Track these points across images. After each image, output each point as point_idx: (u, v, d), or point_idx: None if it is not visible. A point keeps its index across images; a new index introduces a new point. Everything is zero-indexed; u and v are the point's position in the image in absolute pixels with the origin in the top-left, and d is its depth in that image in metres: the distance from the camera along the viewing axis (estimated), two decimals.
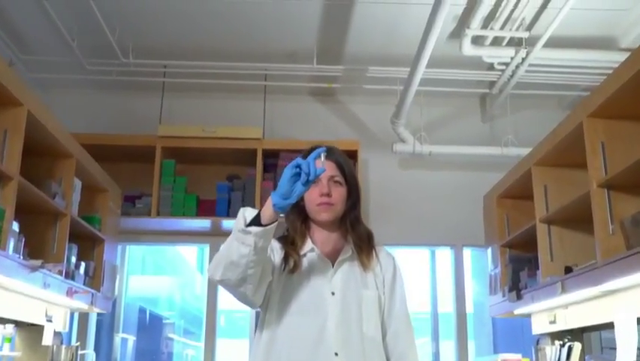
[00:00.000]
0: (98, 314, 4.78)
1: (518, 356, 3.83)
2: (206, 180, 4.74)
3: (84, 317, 4.61)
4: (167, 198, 4.53)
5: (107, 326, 5.01)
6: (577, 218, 3.23)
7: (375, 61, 4.65)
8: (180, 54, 4.61)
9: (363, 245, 1.94)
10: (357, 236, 1.95)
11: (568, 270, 3.06)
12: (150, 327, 6.33)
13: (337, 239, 1.96)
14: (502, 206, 4.08)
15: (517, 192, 3.93)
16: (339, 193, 1.91)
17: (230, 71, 4.68)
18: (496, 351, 4.98)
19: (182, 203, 4.55)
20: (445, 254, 5.15)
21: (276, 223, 1.66)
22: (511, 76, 4.48)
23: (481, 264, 4.99)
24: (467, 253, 5.06)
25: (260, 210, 1.66)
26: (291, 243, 1.92)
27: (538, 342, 3.80)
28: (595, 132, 2.82)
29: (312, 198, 1.90)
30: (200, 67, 4.66)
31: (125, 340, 5.23)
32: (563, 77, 4.56)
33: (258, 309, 1.90)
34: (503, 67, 4.43)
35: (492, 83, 4.79)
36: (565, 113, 5.07)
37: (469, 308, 4.97)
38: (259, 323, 1.89)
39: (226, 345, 4.92)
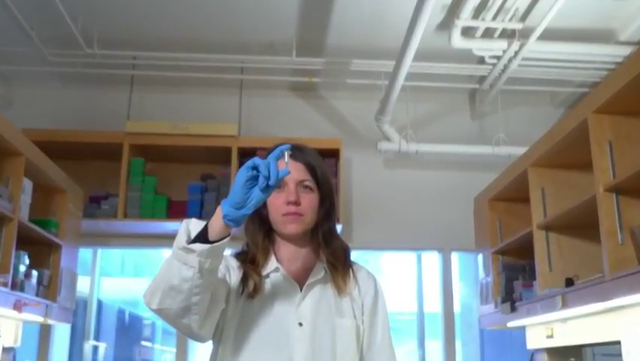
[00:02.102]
0: (73, 320, 4.45)
1: None
2: (177, 180, 4.48)
3: (47, 326, 4.28)
4: (135, 199, 4.26)
5: (79, 334, 4.78)
6: (578, 225, 2.97)
7: (359, 53, 4.40)
8: (150, 45, 4.32)
9: (339, 264, 1.63)
10: (331, 253, 1.63)
11: (569, 282, 2.79)
12: (130, 328, 6.14)
13: (307, 256, 1.64)
14: (494, 209, 3.81)
15: (511, 195, 3.66)
16: (309, 201, 1.60)
17: (204, 64, 4.40)
18: (483, 357, 4.77)
19: (152, 204, 4.28)
20: (431, 257, 4.91)
21: (227, 239, 1.35)
22: (503, 70, 4.27)
23: (467, 266, 4.84)
24: (454, 255, 4.84)
25: (207, 223, 1.36)
26: (251, 261, 1.60)
27: (532, 357, 3.53)
28: (601, 130, 2.53)
29: (277, 207, 1.59)
30: (171, 59, 4.38)
31: (97, 347, 4.98)
32: (557, 71, 4.35)
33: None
34: (495, 60, 4.22)
35: (482, 78, 4.57)
36: (558, 111, 4.94)
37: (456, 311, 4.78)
38: (210, 359, 1.58)
39: (201, 345, 4.68)
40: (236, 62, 4.47)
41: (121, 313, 5.98)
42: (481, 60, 4.28)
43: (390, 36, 4.03)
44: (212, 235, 1.33)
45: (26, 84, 4.73)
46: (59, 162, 3.72)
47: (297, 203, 1.57)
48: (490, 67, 4.31)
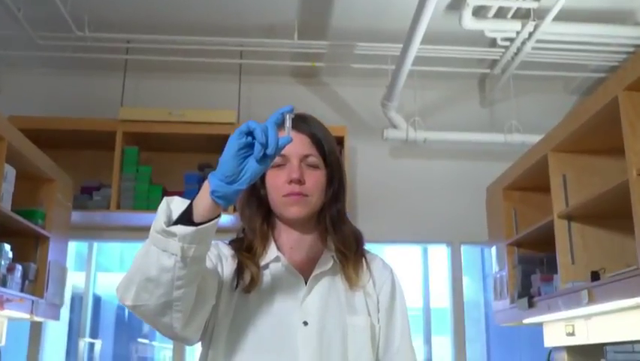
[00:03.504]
0: (70, 317, 4.46)
1: None
2: (173, 170, 4.29)
3: (38, 323, 4.08)
4: (128, 189, 4.07)
5: (76, 331, 4.62)
6: (604, 214, 2.76)
7: (364, 36, 4.18)
8: (144, 27, 4.11)
9: (349, 252, 1.41)
10: (340, 240, 1.42)
11: (595, 276, 2.57)
12: (129, 325, 6.01)
13: (313, 244, 1.43)
14: (509, 199, 3.60)
15: (527, 183, 3.45)
16: (315, 179, 1.38)
17: (202, 47, 4.20)
18: (489, 355, 4.60)
19: (146, 195, 4.09)
20: (438, 250, 4.75)
21: (216, 221, 1.14)
22: (516, 53, 4.06)
23: (473, 260, 4.71)
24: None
25: (192, 201, 1.14)
26: (247, 249, 1.38)
27: (550, 355, 3.32)
28: (633, 108, 2.31)
29: (278, 186, 1.37)
30: (167, 42, 4.18)
31: (93, 345, 4.83)
32: (572, 54, 4.14)
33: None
34: (507, 43, 4.01)
35: (494, 62, 4.36)
36: (572, 98, 4.74)
37: None
38: None
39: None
40: (235, 46, 4.27)
41: (120, 309, 5.85)
42: (493, 43, 4.08)
43: (398, 17, 3.83)
44: (197, 215, 1.12)
45: (14, 70, 4.54)
46: (50, 151, 3.56)
47: (300, 182, 1.35)
48: (503, 50, 4.11)
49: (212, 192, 1.10)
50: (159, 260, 1.12)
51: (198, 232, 1.11)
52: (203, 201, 1.12)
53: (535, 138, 3.70)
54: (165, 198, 1.15)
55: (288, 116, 1.14)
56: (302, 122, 1.39)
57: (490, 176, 3.97)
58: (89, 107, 4.40)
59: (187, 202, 1.14)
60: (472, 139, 4.47)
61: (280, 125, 1.12)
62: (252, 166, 1.09)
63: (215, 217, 1.13)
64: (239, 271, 1.36)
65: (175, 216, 1.13)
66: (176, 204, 1.14)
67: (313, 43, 4.20)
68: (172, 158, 4.38)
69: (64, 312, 4.33)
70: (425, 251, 4.78)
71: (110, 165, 4.04)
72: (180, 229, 1.10)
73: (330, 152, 1.42)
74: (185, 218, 1.12)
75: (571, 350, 3.16)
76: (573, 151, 2.95)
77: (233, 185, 1.10)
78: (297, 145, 1.34)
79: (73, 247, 4.52)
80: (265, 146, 1.07)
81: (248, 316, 1.32)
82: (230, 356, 1.30)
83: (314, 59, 4.40)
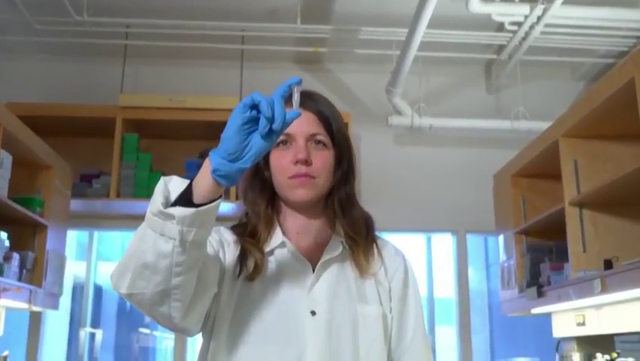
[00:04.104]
0: (71, 306, 4.45)
1: None
2: (174, 157, 4.23)
3: (37, 313, 4.03)
4: (128, 177, 4.02)
5: (77, 320, 4.59)
6: (617, 201, 2.68)
7: (369, 21, 4.11)
8: (144, 12, 4.04)
9: (360, 238, 1.33)
10: (349, 224, 1.33)
11: (607, 264, 2.49)
12: (131, 315, 5.98)
13: (320, 229, 1.35)
14: (517, 186, 3.52)
15: (536, 170, 3.38)
16: (323, 160, 1.29)
17: (203, 32, 4.12)
18: (493, 345, 4.55)
19: (147, 183, 4.02)
20: (440, 239, 4.70)
21: (217, 202, 1.06)
22: (524, 38, 3.99)
23: (476, 249, 4.66)
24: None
25: (192, 180, 1.06)
26: (250, 234, 1.30)
27: (558, 347, 3.26)
28: None
29: (283, 167, 1.28)
30: (167, 27, 4.10)
31: (94, 334, 4.79)
32: (581, 39, 4.06)
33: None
34: (515, 27, 3.93)
35: (501, 48, 4.28)
36: (579, 84, 4.66)
37: None
38: (199, 357, 1.28)
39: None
40: (237, 30, 4.19)
41: (122, 299, 5.77)
42: (500, 27, 4.00)
43: (403, 1, 3.76)
44: (198, 196, 1.04)
45: (11, 55, 4.47)
46: (48, 138, 3.51)
47: (307, 162, 1.27)
48: (510, 34, 4.03)
49: (214, 171, 1.02)
50: (156, 245, 1.04)
51: (198, 214, 1.03)
52: (204, 180, 1.04)
53: (542, 125, 3.63)
54: (163, 178, 1.07)
55: (295, 88, 1.05)
56: (308, 100, 1.30)
57: (495, 163, 3.91)
58: (88, 93, 4.33)
59: (186, 182, 1.06)
60: (478, 126, 4.41)
61: (287, 98, 1.04)
62: (256, 142, 1.01)
63: (217, 198, 1.06)
64: (242, 258, 1.28)
65: (173, 197, 1.05)
66: (175, 185, 1.06)
67: (316, 27, 4.13)
68: (173, 145, 4.32)
69: (66, 302, 4.28)
70: (429, 240, 4.72)
71: (110, 153, 3.99)
72: (179, 211, 1.02)
73: (338, 131, 1.34)
74: (185, 199, 1.04)
75: (580, 340, 3.09)
76: (585, 136, 2.88)
77: (237, 163, 1.02)
78: (303, 123, 1.26)
79: (74, 237, 4.47)
80: (271, 120, 0.99)
81: (251, 305, 1.25)
82: (232, 348, 1.22)
83: (317, 44, 4.33)
